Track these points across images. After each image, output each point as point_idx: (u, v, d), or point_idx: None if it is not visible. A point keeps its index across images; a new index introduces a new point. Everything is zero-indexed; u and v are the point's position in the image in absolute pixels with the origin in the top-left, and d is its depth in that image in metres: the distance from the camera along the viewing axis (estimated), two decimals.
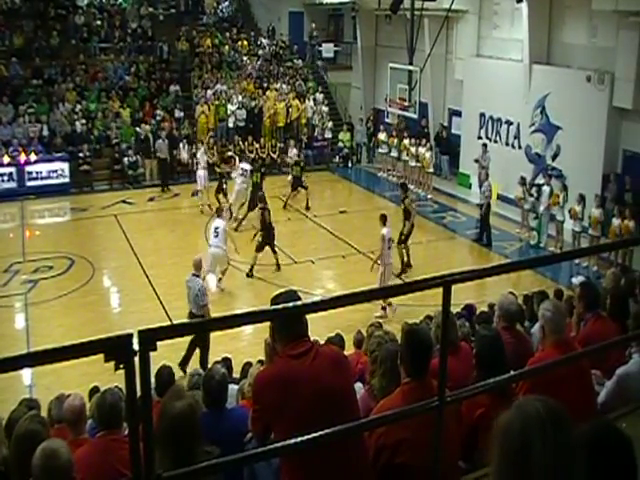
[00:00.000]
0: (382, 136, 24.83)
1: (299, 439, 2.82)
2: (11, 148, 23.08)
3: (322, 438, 2.97)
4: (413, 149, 23.30)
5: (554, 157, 19.77)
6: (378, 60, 28.91)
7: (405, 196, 16.83)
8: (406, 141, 23.77)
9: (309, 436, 2.84)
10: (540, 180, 19.35)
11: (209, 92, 26.25)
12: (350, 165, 26.93)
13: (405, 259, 16.57)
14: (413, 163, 23.25)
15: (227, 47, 29.63)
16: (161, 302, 14.96)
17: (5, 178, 22.60)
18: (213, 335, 11.29)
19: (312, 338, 3.64)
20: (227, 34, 30.64)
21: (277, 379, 3.47)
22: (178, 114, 25.83)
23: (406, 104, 23.87)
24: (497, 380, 3.74)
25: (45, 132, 24.16)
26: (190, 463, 3.07)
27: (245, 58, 29.37)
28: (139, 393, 2.35)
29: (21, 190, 22.57)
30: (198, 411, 3.75)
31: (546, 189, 18.61)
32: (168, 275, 16.35)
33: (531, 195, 19.04)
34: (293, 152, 23.05)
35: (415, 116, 23.72)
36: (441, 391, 3.17)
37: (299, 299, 3.54)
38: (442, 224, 20.41)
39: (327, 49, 30.48)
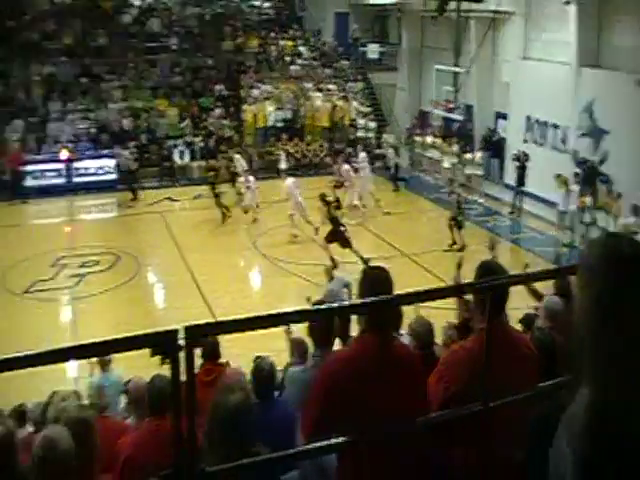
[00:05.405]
0: (428, 139, 24.63)
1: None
2: (60, 145, 23.59)
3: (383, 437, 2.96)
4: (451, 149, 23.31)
5: (601, 162, 19.45)
6: (423, 61, 28.76)
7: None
8: (455, 147, 23.67)
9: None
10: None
11: (255, 92, 26.42)
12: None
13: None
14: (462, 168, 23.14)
15: (272, 47, 29.78)
16: (205, 299, 15.09)
17: (54, 174, 23.08)
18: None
19: None
20: (272, 34, 30.79)
21: (351, 364, 3.31)
22: (220, 114, 26.06)
23: (451, 106, 23.75)
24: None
25: (93, 129, 24.60)
26: (239, 459, 3.12)
27: (289, 58, 29.46)
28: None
29: (69, 186, 23.00)
30: (251, 406, 3.76)
31: (575, 188, 18.66)
32: (212, 273, 16.51)
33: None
34: (361, 155, 22.45)
35: (460, 118, 23.56)
36: (485, 396, 3.16)
37: (386, 282, 3.41)
38: (487, 228, 20.16)
39: (372, 50, 30.39)
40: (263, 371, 5.38)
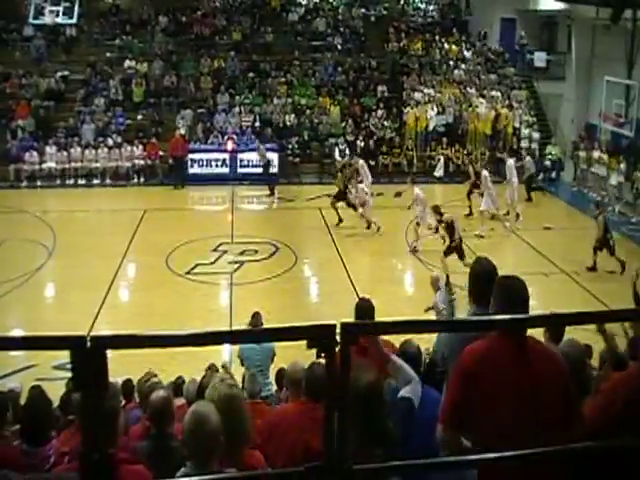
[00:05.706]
0: (595, 154, 23.55)
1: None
2: (225, 136, 24.56)
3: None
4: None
5: None
6: (593, 72, 27.55)
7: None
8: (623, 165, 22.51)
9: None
10: None
11: (417, 95, 26.36)
12: (556, 180, 25.74)
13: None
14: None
15: (436, 51, 29.60)
16: (358, 298, 15.13)
17: (219, 163, 24.11)
18: None
19: None
20: (437, 37, 30.57)
21: (489, 356, 3.35)
22: (381, 115, 26.20)
23: (621, 120, 22.70)
24: None
25: (257, 123, 25.41)
26: (381, 431, 3.08)
27: (453, 63, 29.17)
28: None
29: (232, 176, 23.93)
30: (382, 384, 3.78)
31: None
32: (367, 272, 16.65)
33: None
34: (509, 163, 21.54)
35: (631, 134, 22.47)
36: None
37: (521, 291, 3.51)
38: None
39: (539, 58, 29.53)
40: (407, 354, 5.16)
